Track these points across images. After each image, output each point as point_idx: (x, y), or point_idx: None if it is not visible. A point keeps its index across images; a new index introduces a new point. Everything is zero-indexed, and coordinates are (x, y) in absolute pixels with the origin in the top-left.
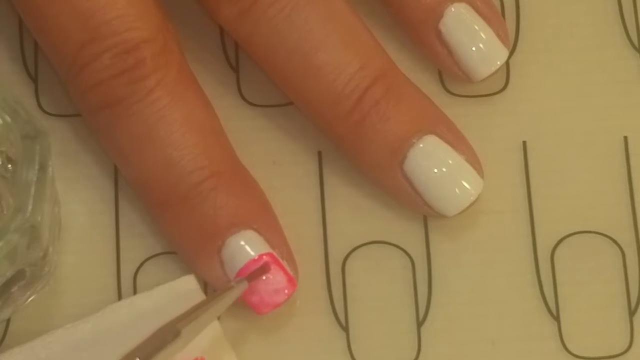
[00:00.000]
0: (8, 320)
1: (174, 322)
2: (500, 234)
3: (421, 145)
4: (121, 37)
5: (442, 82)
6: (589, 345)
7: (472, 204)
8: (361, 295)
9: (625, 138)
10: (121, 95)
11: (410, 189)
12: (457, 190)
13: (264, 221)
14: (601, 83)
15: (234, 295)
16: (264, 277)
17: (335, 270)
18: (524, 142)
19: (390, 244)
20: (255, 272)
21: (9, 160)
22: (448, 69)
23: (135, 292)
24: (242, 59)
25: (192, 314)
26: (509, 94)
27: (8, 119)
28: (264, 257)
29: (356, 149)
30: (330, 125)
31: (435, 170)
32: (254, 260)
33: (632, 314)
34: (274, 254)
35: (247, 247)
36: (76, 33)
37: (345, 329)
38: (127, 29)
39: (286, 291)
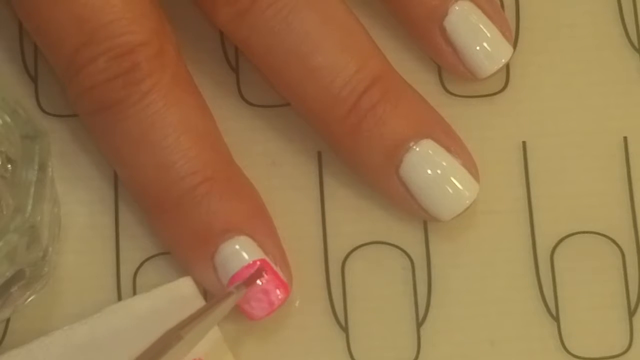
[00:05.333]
0: (8, 320)
1: (177, 329)
2: (500, 234)
3: (417, 150)
4: (117, 41)
5: (441, 82)
6: (589, 345)
7: (467, 209)
8: (361, 295)
9: (625, 138)
10: (116, 99)
11: (405, 193)
12: (451, 194)
13: (258, 226)
14: (601, 83)
15: (233, 301)
16: (259, 282)
17: (334, 270)
18: (524, 142)
19: (389, 244)
20: (252, 277)
21: (9, 160)
22: (452, 67)
23: (134, 292)
24: (242, 60)
25: (193, 320)
26: (509, 94)
27: (8, 119)
28: (257, 263)
29: (352, 152)
30: (326, 128)
31: (430, 175)
32: (247, 267)
33: (631, 314)
34: (267, 259)
35: (239, 253)
36: (72, 36)
37: (345, 329)
38: (122, 32)
39: (280, 297)
